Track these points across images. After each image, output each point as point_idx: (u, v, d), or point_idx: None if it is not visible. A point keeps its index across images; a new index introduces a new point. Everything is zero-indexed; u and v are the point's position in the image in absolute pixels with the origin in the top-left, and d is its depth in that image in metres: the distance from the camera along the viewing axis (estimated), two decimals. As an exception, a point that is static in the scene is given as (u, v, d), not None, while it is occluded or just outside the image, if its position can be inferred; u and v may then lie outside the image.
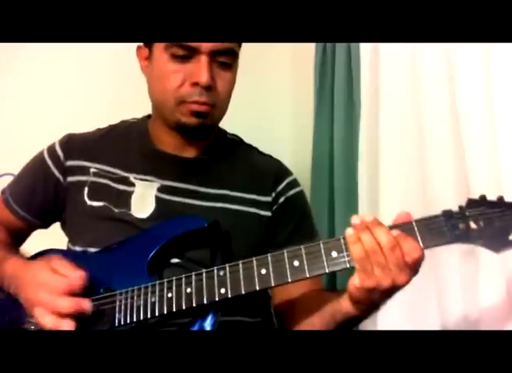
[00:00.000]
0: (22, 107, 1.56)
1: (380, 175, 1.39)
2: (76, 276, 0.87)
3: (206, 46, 0.93)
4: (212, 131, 1.06)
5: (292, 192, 1.08)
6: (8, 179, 1.13)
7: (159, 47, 0.96)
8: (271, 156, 1.14)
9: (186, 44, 0.93)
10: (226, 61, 0.97)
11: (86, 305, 0.85)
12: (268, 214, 1.04)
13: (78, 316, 0.84)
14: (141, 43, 1.02)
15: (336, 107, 1.60)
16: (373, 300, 0.78)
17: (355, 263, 0.76)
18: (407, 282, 0.75)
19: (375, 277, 0.74)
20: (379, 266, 0.74)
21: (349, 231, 0.77)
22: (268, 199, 1.05)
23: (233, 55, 0.98)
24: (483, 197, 0.75)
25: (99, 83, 1.61)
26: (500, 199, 0.75)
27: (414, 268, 0.75)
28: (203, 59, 0.93)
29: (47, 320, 0.84)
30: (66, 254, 1.02)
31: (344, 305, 0.82)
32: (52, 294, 0.85)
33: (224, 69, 0.97)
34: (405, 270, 0.74)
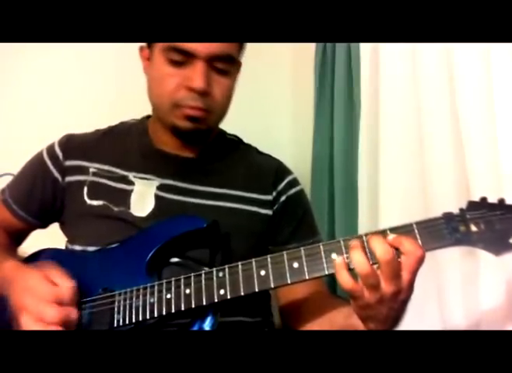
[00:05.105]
0: (22, 107, 1.56)
1: (380, 175, 1.39)
2: (67, 286, 0.83)
3: (203, 51, 0.92)
4: (209, 136, 1.05)
5: (293, 190, 1.08)
6: (8, 179, 1.13)
7: (157, 50, 0.96)
8: (270, 155, 1.14)
9: (183, 49, 0.92)
10: (224, 68, 0.96)
11: (73, 314, 0.82)
12: (269, 212, 1.04)
13: (64, 325, 0.80)
14: (143, 44, 1.02)
15: (336, 107, 1.60)
16: (375, 315, 0.75)
17: (344, 289, 0.73)
18: (400, 291, 0.72)
19: (365, 297, 0.72)
20: (371, 289, 0.71)
21: (337, 260, 0.74)
22: (269, 197, 1.05)
23: (231, 61, 0.97)
24: (484, 200, 0.75)
25: (100, 83, 1.61)
26: (501, 201, 0.74)
27: (412, 271, 0.71)
28: (199, 65, 0.93)
29: (31, 328, 0.80)
30: (63, 253, 1.02)
31: (355, 322, 0.80)
32: (39, 301, 0.81)
33: (221, 75, 0.96)
34: (399, 280, 0.71)
